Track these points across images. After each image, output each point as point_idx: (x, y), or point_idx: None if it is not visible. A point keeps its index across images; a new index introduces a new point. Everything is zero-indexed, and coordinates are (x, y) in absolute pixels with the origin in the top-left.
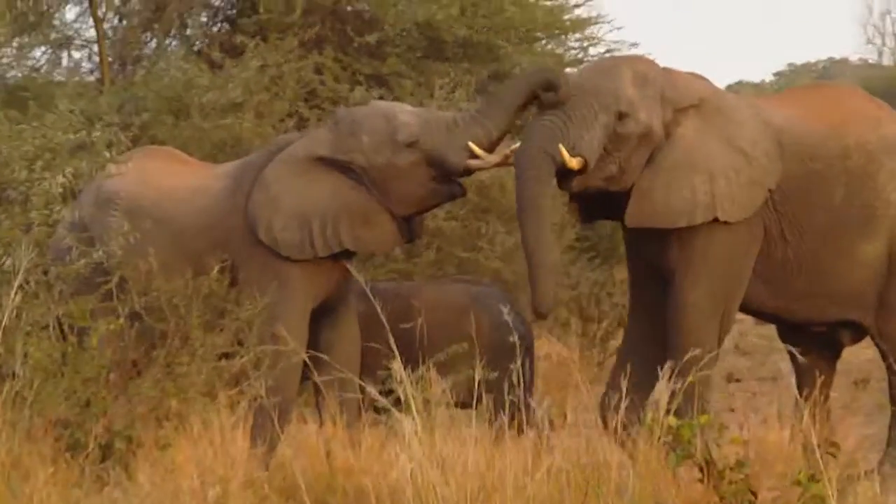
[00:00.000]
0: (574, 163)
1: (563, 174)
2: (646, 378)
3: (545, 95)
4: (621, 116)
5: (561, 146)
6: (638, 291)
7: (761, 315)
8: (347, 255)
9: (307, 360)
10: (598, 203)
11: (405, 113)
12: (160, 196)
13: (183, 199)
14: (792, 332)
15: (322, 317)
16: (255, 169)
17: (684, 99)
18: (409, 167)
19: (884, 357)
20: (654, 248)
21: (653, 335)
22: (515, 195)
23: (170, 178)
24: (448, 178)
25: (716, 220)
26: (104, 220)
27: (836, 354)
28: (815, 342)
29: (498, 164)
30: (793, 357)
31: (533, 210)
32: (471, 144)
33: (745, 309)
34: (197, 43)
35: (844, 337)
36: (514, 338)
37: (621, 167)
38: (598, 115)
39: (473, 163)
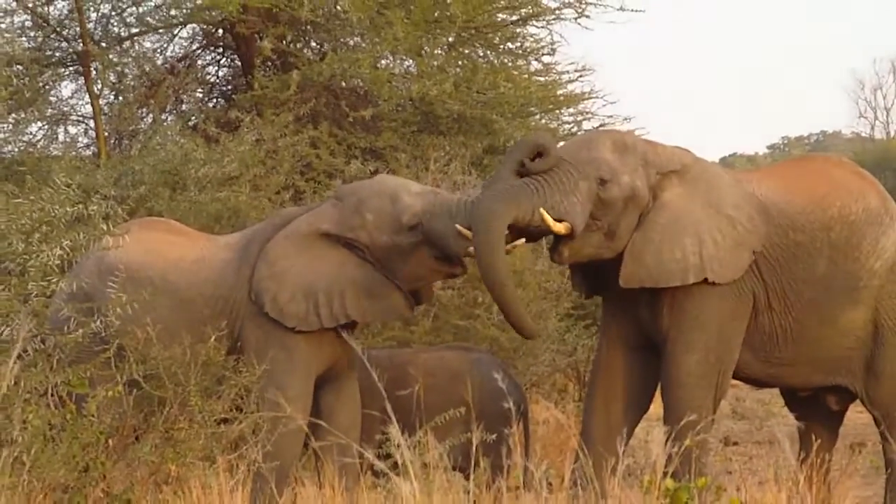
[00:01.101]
0: (560, 227)
1: (553, 245)
2: (610, 442)
3: (531, 164)
4: (602, 182)
5: (543, 210)
6: (610, 353)
7: (749, 381)
8: (350, 324)
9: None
10: (596, 274)
11: (410, 194)
12: (166, 266)
13: (189, 270)
14: (796, 396)
15: (325, 383)
16: (260, 242)
17: (667, 164)
18: (411, 248)
19: (876, 422)
20: (645, 314)
21: (616, 398)
22: (475, 252)
23: (173, 248)
24: (449, 258)
25: (706, 283)
26: (107, 291)
27: (838, 420)
28: (816, 408)
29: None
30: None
31: (494, 263)
32: (460, 228)
33: (733, 375)
34: (192, 118)
35: (830, 401)
36: (509, 403)
37: (611, 232)
38: (579, 183)
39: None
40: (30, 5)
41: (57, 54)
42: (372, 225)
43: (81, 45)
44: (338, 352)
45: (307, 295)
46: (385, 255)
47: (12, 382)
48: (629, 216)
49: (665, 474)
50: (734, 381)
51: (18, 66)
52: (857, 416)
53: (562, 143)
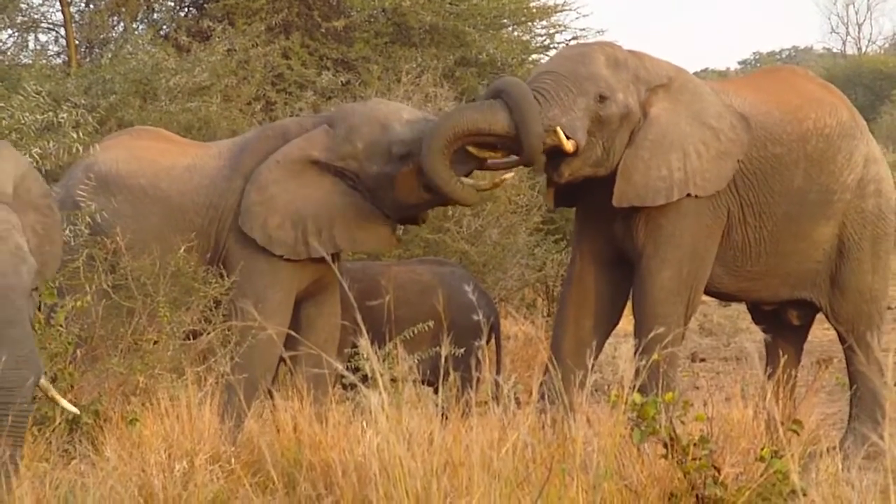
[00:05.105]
0: (570, 145)
1: (552, 163)
2: (580, 356)
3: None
4: (602, 99)
5: (559, 129)
6: (582, 268)
7: (719, 295)
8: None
9: (276, 336)
10: (572, 188)
11: (402, 122)
12: (157, 173)
13: (180, 178)
14: (762, 312)
15: (307, 296)
16: (252, 152)
17: (655, 79)
18: (400, 178)
19: (841, 339)
20: (619, 229)
21: (587, 313)
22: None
23: (164, 156)
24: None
25: (685, 199)
26: (97, 199)
27: (803, 336)
28: (781, 323)
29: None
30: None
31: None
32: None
33: (704, 290)
34: (164, 27)
35: (792, 316)
36: (480, 316)
37: (605, 150)
38: (577, 100)
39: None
40: None
41: None
42: (362, 154)
43: None
44: (321, 269)
45: (295, 223)
46: (375, 184)
47: None
48: (623, 133)
49: (633, 388)
50: (703, 297)
51: None
52: (823, 333)
53: (553, 55)
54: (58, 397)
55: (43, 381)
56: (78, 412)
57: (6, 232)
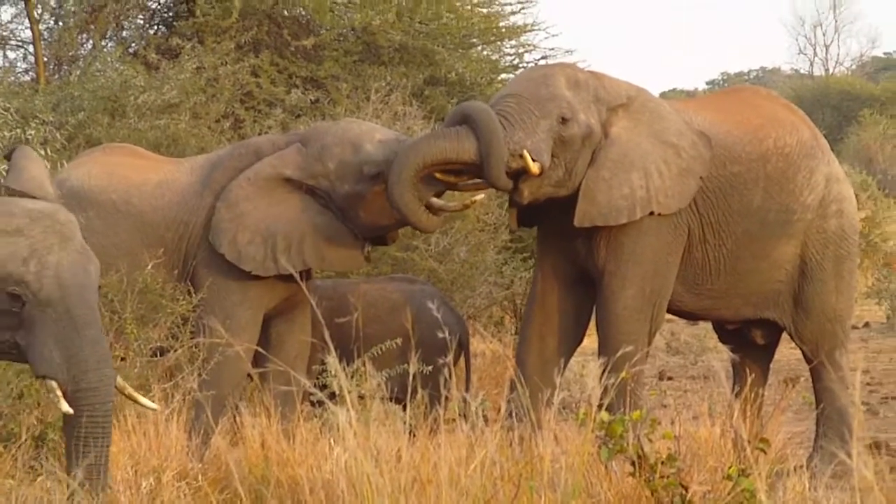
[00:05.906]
0: (535, 167)
1: (514, 185)
2: (545, 374)
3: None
4: (564, 121)
5: (526, 152)
6: (545, 287)
7: (681, 314)
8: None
9: (243, 353)
10: (535, 208)
11: (373, 143)
12: (129, 189)
13: (152, 193)
14: (728, 332)
15: (278, 314)
16: (224, 169)
17: (614, 98)
18: (372, 197)
19: (806, 358)
20: (581, 248)
21: (551, 332)
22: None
23: (136, 172)
24: None
25: (646, 217)
26: None
27: (769, 355)
28: (747, 342)
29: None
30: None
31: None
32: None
33: (666, 309)
34: (133, 45)
35: (756, 335)
36: (447, 334)
37: (567, 170)
38: (540, 122)
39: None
40: None
41: None
42: (333, 174)
43: None
44: (291, 287)
45: (265, 239)
46: (346, 203)
47: None
48: (585, 154)
49: (600, 407)
50: (669, 316)
51: None
52: (790, 352)
53: (514, 77)
54: (136, 395)
55: (119, 380)
56: (157, 408)
57: (71, 232)
